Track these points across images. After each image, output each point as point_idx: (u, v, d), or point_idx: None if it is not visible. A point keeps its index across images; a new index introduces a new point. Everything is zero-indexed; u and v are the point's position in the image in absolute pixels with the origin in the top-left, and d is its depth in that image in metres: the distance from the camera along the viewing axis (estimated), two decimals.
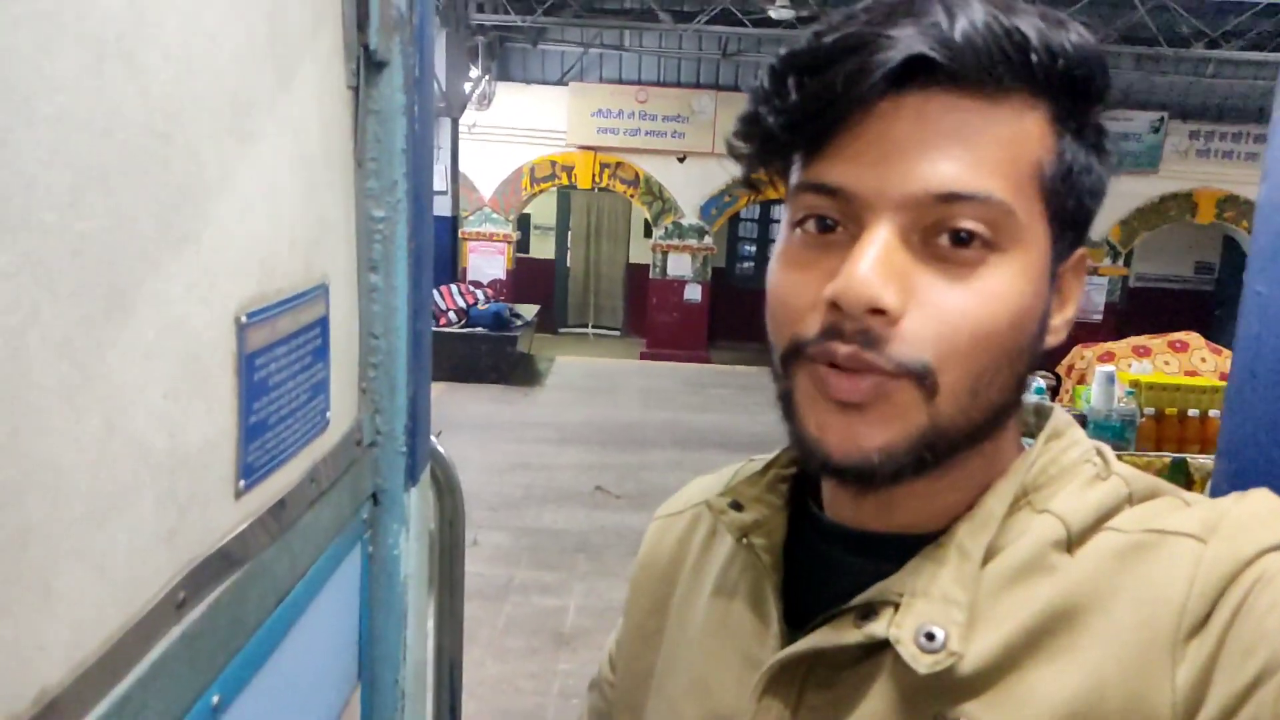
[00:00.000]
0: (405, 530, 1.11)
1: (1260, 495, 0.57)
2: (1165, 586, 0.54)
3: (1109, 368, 4.09)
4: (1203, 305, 15.78)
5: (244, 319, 0.76)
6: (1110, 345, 5.05)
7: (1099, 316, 13.71)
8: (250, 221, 0.77)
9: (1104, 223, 13.50)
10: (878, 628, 0.58)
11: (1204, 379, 4.86)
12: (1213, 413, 4.36)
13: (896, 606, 0.58)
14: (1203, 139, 13.17)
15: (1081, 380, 4.65)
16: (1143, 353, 4.95)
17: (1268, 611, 0.50)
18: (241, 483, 0.78)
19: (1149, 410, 4.19)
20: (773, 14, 8.96)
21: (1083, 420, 4.04)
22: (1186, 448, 4.14)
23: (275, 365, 0.82)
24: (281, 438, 0.84)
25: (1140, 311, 14.37)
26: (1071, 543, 0.58)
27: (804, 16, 9.55)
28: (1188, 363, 4.89)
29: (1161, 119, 12.97)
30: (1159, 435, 4.23)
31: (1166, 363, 4.85)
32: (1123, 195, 13.39)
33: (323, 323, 0.92)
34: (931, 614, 0.56)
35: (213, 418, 0.72)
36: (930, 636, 0.56)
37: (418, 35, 1.13)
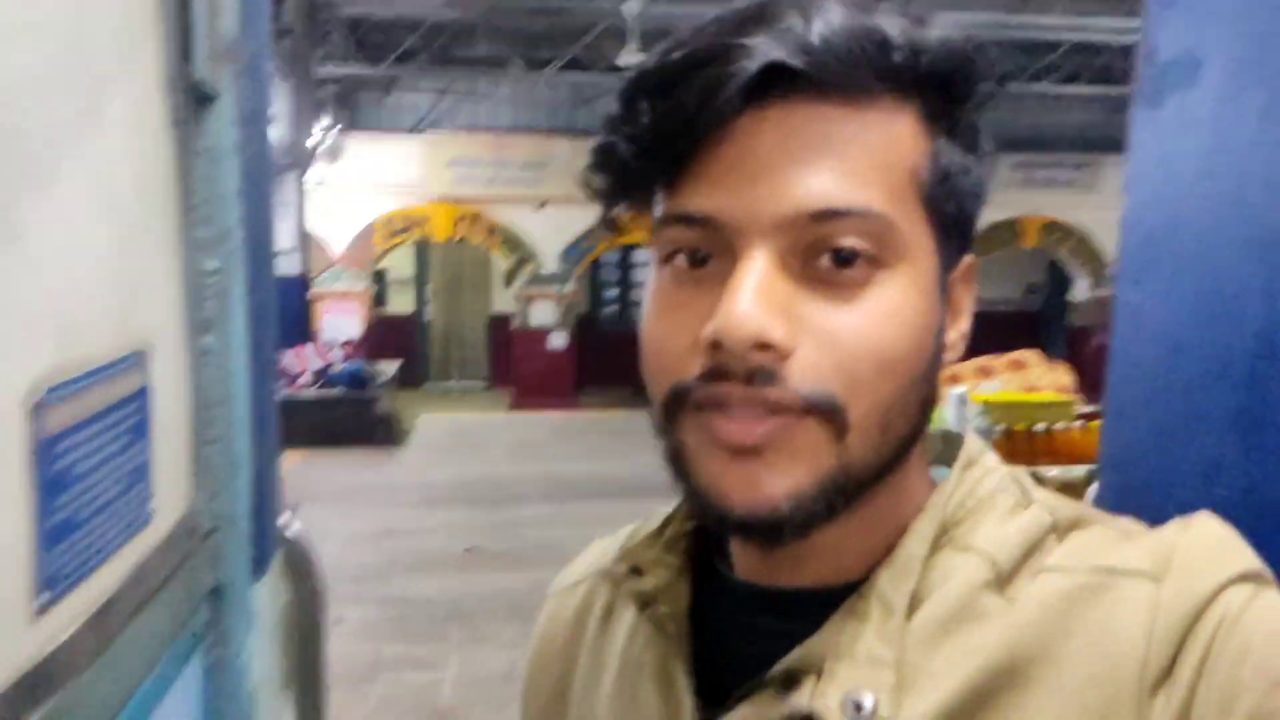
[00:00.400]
0: (253, 629, 0.98)
1: (1205, 522, 0.54)
2: (1122, 634, 0.50)
3: (960, 389, 4.26)
4: (1032, 324, 16.97)
5: (39, 397, 0.65)
6: (955, 368, 5.31)
7: None
8: (45, 280, 0.67)
9: None
10: (801, 700, 0.53)
11: (1046, 394, 5.15)
12: (1058, 425, 4.62)
13: (820, 673, 0.53)
14: (1023, 170, 14.26)
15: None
16: (986, 373, 5.22)
17: (1240, 658, 0.47)
18: (42, 597, 0.64)
19: (999, 428, 4.38)
20: (620, 62, 9.15)
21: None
22: (1038, 461, 4.36)
23: (83, 450, 0.71)
24: (94, 537, 0.71)
25: (977, 334, 15.24)
26: (1002, 582, 0.54)
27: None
28: (1026, 380, 5.19)
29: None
30: (1011, 451, 4.45)
31: (1007, 381, 5.13)
32: None
33: (142, 395, 0.80)
34: (857, 679, 0.52)
35: None
36: (858, 706, 0.52)
37: (252, 67, 1.02)
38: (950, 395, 4.45)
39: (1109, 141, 14.57)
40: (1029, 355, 5.39)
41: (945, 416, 4.56)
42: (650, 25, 9.43)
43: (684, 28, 0.54)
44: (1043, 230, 14.54)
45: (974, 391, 4.91)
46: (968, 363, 5.35)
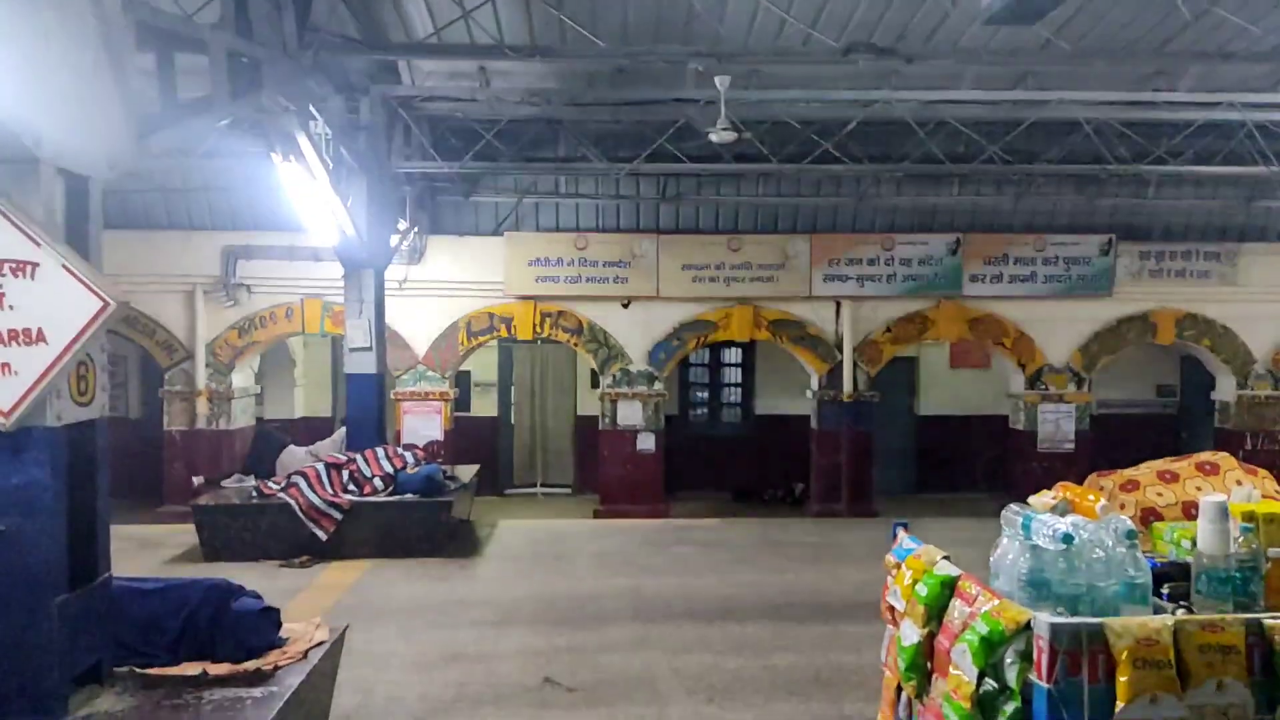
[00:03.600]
0: None
1: None
2: None
3: (1218, 498, 3.16)
4: (1166, 429, 15.63)
5: None
6: (1131, 473, 4.49)
7: (1070, 446, 13.41)
8: None
9: (1064, 348, 13.43)
10: None
11: None
12: None
13: None
14: (1154, 259, 13.35)
15: (1145, 521, 3.97)
16: (1169, 478, 4.40)
17: None
18: None
19: (1274, 551, 3.20)
20: (714, 137, 8.97)
21: (1183, 571, 3.08)
22: None
23: None
24: None
25: (1106, 439, 14.15)
26: None
27: (744, 138, 9.62)
28: (1221, 486, 4.36)
29: (1110, 240, 13.16)
30: None
31: (1199, 488, 4.30)
32: (1080, 319, 13.42)
33: None
34: None
35: None
36: None
37: None
38: (1205, 505, 3.27)
39: (1247, 229, 13.55)
40: (1221, 458, 4.56)
41: (1175, 536, 3.56)
42: (739, 102, 9.23)
43: None
44: (1178, 324, 13.46)
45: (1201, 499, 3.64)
46: (1143, 466, 4.53)
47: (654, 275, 12.90)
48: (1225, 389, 13.77)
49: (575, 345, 13.32)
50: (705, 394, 15.72)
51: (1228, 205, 13.18)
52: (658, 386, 13.25)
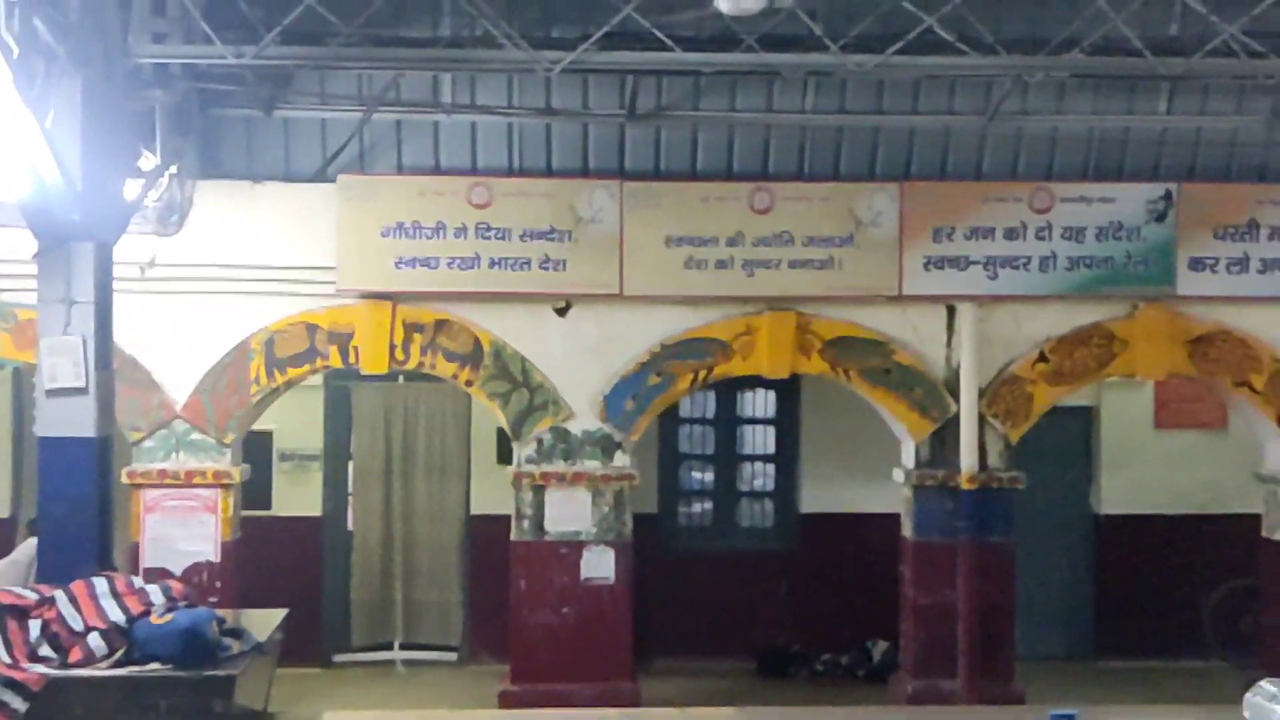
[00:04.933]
0: None
1: None
2: None
3: None
4: None
5: None
6: None
7: None
8: None
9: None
10: None
11: None
12: None
13: None
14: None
15: None
16: None
17: None
18: None
19: None
20: (724, 6, 9.00)
21: None
22: None
23: None
24: None
25: None
26: None
27: (781, 9, 9.95)
28: None
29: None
30: None
31: None
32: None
33: None
34: None
35: None
36: None
37: None
38: None
39: None
40: None
41: None
42: None
43: None
44: None
45: None
46: None
47: (614, 256, 12.98)
48: None
49: (468, 385, 13.32)
50: (709, 476, 15.83)
51: None
52: (621, 461, 13.25)
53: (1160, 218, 13.24)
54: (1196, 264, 13.28)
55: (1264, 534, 13.95)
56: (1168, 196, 13.24)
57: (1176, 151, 13.45)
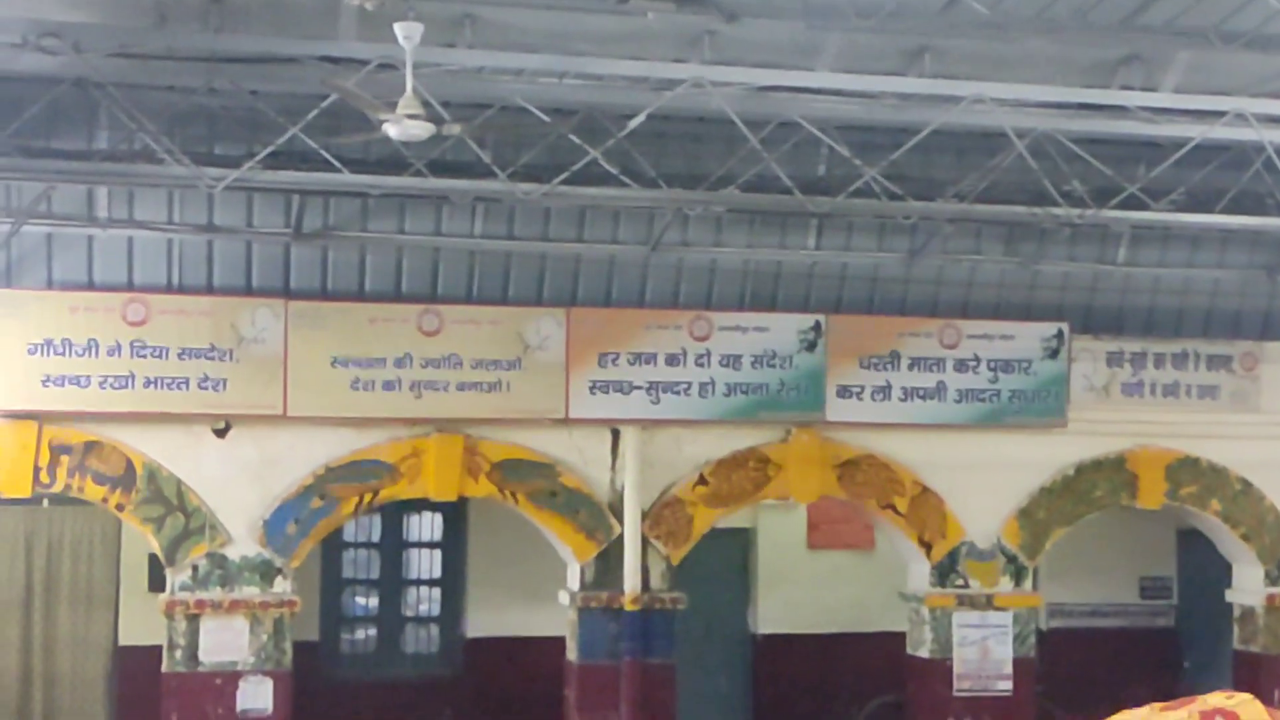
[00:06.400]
0: None
1: None
2: None
3: None
4: (1159, 651, 16.80)
5: None
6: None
7: (1007, 686, 14.09)
8: None
9: (992, 515, 14.24)
10: None
11: None
12: None
13: None
14: (1129, 365, 14.56)
15: None
16: None
17: None
18: None
19: None
20: (393, 131, 8.93)
21: None
22: None
23: None
24: None
25: (1063, 669, 14.97)
26: None
27: (450, 134, 9.87)
28: None
29: (1060, 333, 14.31)
30: None
31: None
32: (1017, 466, 14.40)
33: None
34: None
35: None
36: None
37: None
38: None
39: (1271, 318, 15.08)
40: (1240, 704, 5.05)
41: None
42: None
43: None
44: (1170, 476, 14.69)
45: None
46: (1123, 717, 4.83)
47: (277, 376, 12.77)
48: (1247, 584, 15.03)
49: (119, 509, 12.88)
50: (373, 601, 15.72)
51: (1241, 280, 14.62)
52: (281, 587, 12.98)
53: (811, 347, 13.74)
54: (844, 391, 13.83)
55: (908, 650, 14.52)
56: (817, 327, 13.76)
57: (825, 284, 14.05)
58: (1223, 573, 15.35)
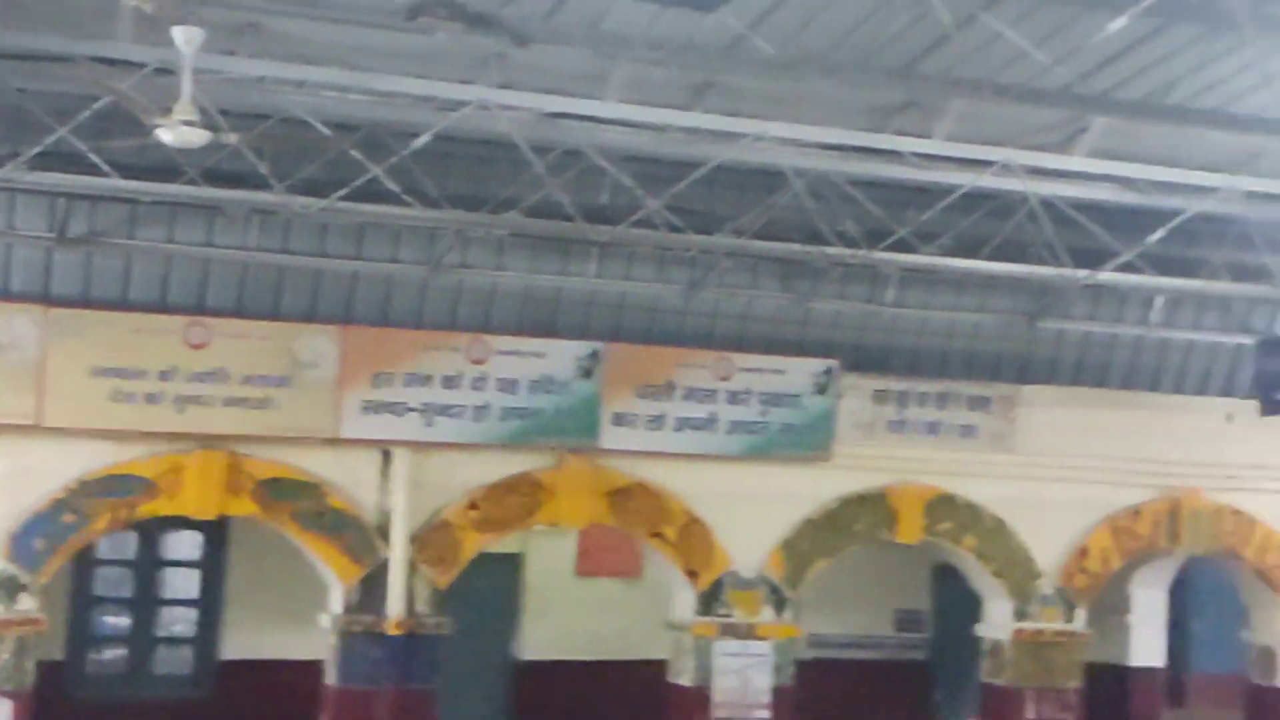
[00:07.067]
0: None
1: None
2: None
3: None
4: (912, 683, 17.28)
5: None
6: None
7: (765, 715, 14.27)
8: None
9: (757, 546, 14.45)
10: None
11: None
12: None
13: None
14: (894, 403, 14.94)
15: None
16: None
17: None
18: None
19: None
20: (167, 136, 8.66)
21: None
22: None
23: None
24: None
25: (820, 700, 15.21)
26: None
27: (225, 143, 9.69)
28: None
29: (830, 370, 14.62)
30: None
31: None
32: (783, 498, 14.65)
33: None
34: None
35: None
36: None
37: None
38: None
39: (1030, 362, 15.69)
40: None
41: None
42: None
43: None
44: (929, 512, 15.11)
45: None
46: None
47: (32, 385, 12.30)
48: (997, 619, 15.54)
49: None
50: (126, 619, 15.34)
51: (1002, 324, 15.16)
52: (26, 605, 12.52)
53: (588, 374, 13.78)
54: (619, 419, 13.90)
55: (669, 679, 14.63)
56: (595, 355, 13.80)
57: (604, 313, 14.16)
58: (974, 607, 15.84)
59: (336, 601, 13.40)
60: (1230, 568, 16.63)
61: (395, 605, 13.21)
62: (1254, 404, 15.43)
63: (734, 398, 14.22)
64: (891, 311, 14.86)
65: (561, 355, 13.74)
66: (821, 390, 14.50)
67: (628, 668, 15.83)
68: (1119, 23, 9.06)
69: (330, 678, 13.40)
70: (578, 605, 16.14)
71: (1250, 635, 16.67)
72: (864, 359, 14.98)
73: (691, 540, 14.26)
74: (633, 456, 14.03)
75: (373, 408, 13.17)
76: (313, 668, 13.70)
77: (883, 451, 14.84)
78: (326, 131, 10.92)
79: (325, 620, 13.51)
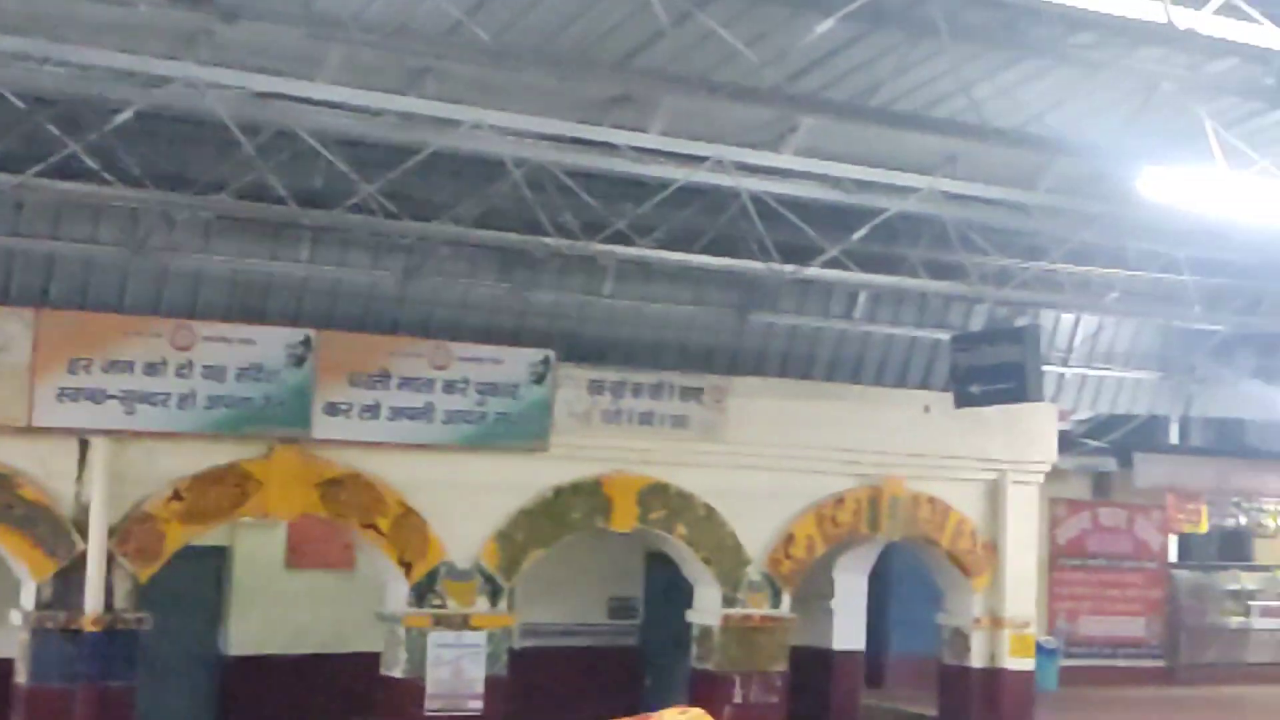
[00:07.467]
0: None
1: None
2: None
3: None
4: (624, 669, 17.49)
5: None
6: None
7: (478, 706, 14.27)
8: None
9: (472, 536, 14.41)
10: None
11: None
12: None
13: None
14: (609, 393, 15.07)
15: None
16: None
17: None
18: None
19: None
20: None
21: None
22: None
23: None
24: None
25: (533, 688, 15.29)
26: None
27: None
28: None
29: (547, 359, 14.69)
30: None
31: None
32: (498, 488, 14.63)
33: None
34: None
35: None
36: None
37: None
38: None
39: (740, 354, 16.08)
40: (692, 718, 5.33)
41: None
42: None
43: None
44: (642, 500, 15.29)
45: None
46: None
47: None
48: (706, 605, 15.85)
49: None
50: None
51: (714, 317, 15.45)
52: None
53: (299, 362, 13.50)
54: (332, 409, 13.67)
55: (382, 671, 14.48)
56: (306, 342, 13.53)
57: (317, 299, 13.96)
58: (685, 594, 16.12)
59: (29, 597, 12.79)
60: (926, 553, 17.29)
61: (93, 600, 12.70)
62: (949, 396, 16.11)
63: (451, 387, 14.13)
64: (608, 303, 15.04)
65: (272, 342, 13.41)
66: (538, 380, 14.53)
67: (340, 661, 15.65)
68: (826, 25, 9.34)
69: (21, 676, 12.82)
70: (288, 598, 15.86)
71: (944, 618, 17.39)
72: (580, 349, 15.10)
73: (405, 531, 14.11)
74: (346, 446, 13.82)
75: (69, 394, 12.61)
76: (4, 666, 13.17)
77: (598, 441, 14.97)
78: (21, 104, 10.43)
79: (16, 617, 12.89)
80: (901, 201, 12.86)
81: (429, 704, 14.13)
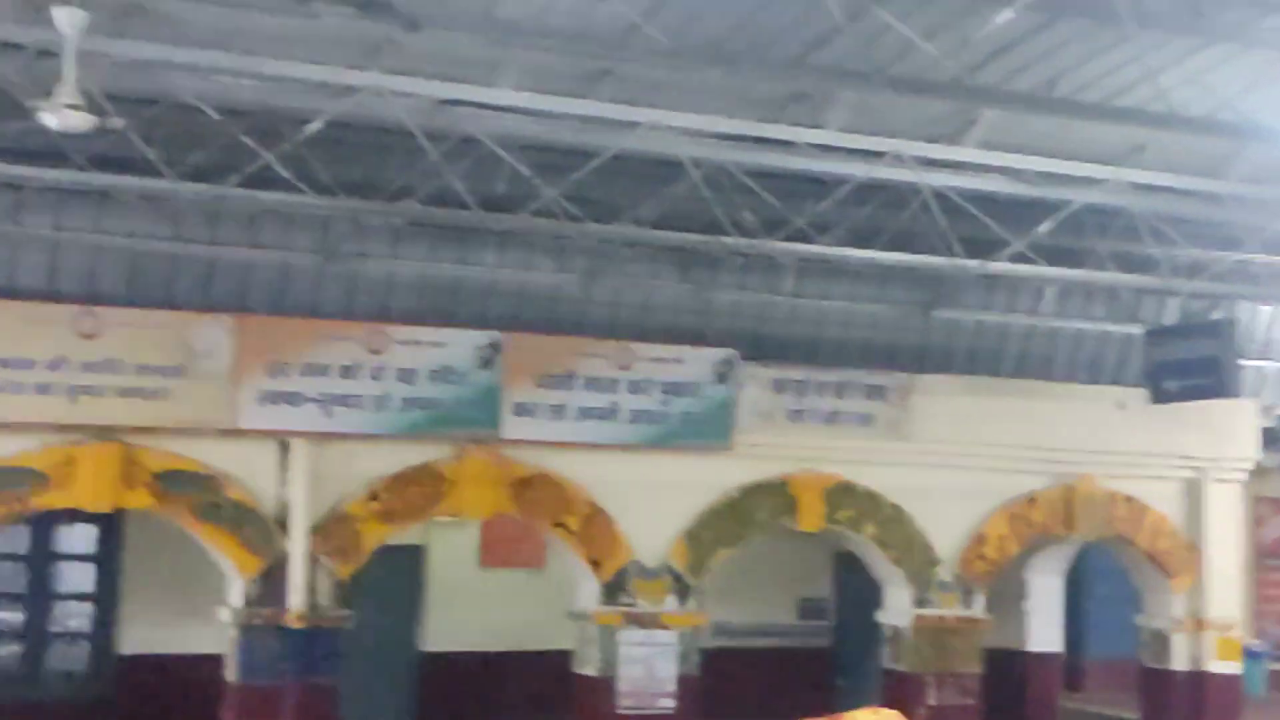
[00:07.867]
0: None
1: None
2: None
3: None
4: (816, 670, 17.41)
5: None
6: None
7: (670, 704, 14.29)
8: None
9: (660, 536, 14.46)
10: None
11: None
12: None
13: None
14: (793, 392, 14.99)
15: None
16: None
17: None
18: None
19: None
20: (50, 120, 8.62)
21: None
22: None
23: None
24: None
25: (725, 688, 15.28)
26: None
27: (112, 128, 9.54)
28: None
29: (730, 360, 14.65)
30: None
31: None
32: (684, 488, 14.66)
33: None
34: None
35: None
36: None
37: None
38: None
39: (926, 352, 15.93)
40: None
41: None
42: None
43: None
44: (829, 500, 15.18)
45: None
46: None
47: None
48: (897, 606, 15.64)
49: None
50: (18, 616, 15.10)
51: (898, 313, 15.31)
52: None
53: (487, 364, 13.68)
54: (520, 409, 13.80)
55: (574, 669, 14.59)
56: (494, 344, 13.69)
57: (503, 302, 14.23)
58: (875, 594, 15.94)
59: (236, 595, 13.19)
60: (1123, 553, 16.82)
61: (296, 598, 13.04)
62: (1143, 392, 15.69)
63: (635, 387, 14.20)
64: (789, 301, 15.06)
65: (461, 345, 13.63)
66: (722, 379, 14.52)
67: (533, 658, 15.80)
68: (1006, 15, 9.22)
69: (231, 673, 13.18)
70: (482, 596, 16.09)
71: (1143, 619, 16.90)
72: (763, 348, 15.11)
73: (594, 530, 14.22)
74: (534, 446, 13.95)
75: (269, 398, 12.99)
76: (213, 662, 13.48)
77: (783, 440, 14.89)
78: (217, 117, 10.82)
79: (225, 614, 13.28)
80: (1088, 193, 12.62)
81: (621, 701, 14.17)
